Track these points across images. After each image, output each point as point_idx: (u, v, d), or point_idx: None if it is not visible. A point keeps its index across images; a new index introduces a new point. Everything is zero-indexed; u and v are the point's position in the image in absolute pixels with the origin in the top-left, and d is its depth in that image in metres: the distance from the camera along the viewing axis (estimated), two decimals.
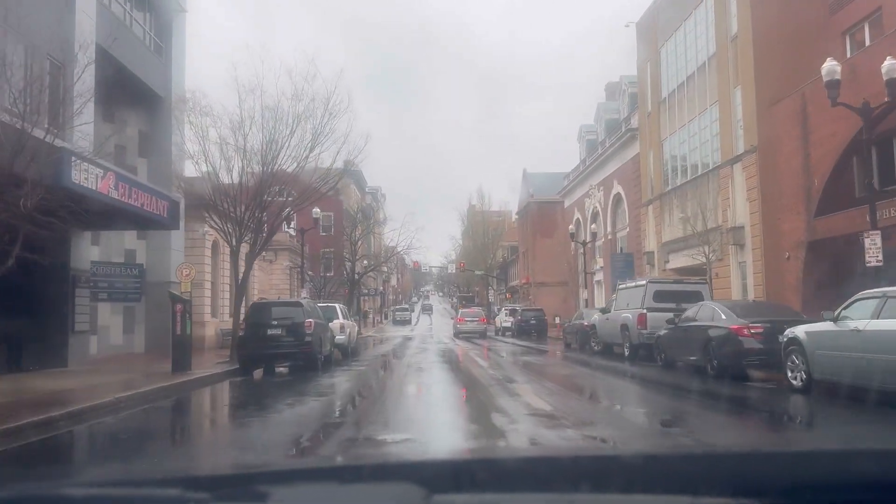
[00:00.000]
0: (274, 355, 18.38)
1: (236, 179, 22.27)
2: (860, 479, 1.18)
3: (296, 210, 24.59)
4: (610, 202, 44.70)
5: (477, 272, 77.44)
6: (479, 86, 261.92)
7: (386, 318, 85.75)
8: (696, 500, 1.14)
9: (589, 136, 51.90)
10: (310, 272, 55.41)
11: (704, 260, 27.50)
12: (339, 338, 23.97)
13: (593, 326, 24.99)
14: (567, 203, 56.79)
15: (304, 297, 21.93)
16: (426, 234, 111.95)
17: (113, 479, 1.41)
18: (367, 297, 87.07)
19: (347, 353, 24.99)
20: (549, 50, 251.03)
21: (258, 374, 19.27)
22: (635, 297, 21.34)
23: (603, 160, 45.55)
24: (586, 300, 42.14)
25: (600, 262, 47.42)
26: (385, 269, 57.62)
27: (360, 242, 51.07)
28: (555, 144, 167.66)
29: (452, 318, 65.99)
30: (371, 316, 78.57)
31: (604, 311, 24.39)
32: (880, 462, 1.26)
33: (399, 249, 52.76)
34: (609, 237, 44.90)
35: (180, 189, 23.74)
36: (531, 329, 43.41)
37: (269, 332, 18.26)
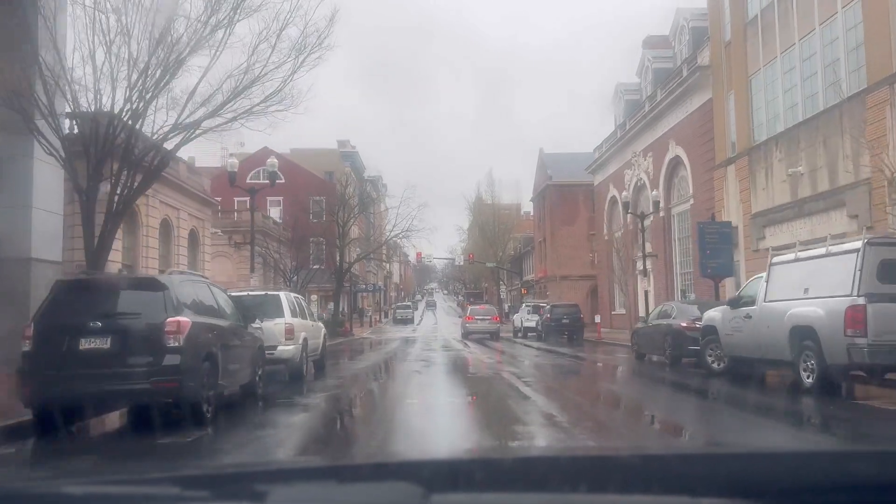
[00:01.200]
0: (89, 396, 8.06)
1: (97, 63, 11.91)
2: (859, 481, 1.15)
3: (206, 129, 14.02)
4: (663, 170, 34.33)
5: (488, 265, 67.02)
6: (483, 78, 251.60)
7: (386, 316, 75.43)
8: (694, 500, 1.11)
9: (629, 96, 41.52)
10: (292, 261, 45.36)
11: (851, 228, 17.15)
12: (283, 349, 13.70)
13: (712, 330, 14.57)
14: (598, 180, 46.37)
15: (178, 273, 11.25)
16: (430, 213, 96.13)
17: (112, 477, 1.30)
18: (365, 294, 76.81)
19: (301, 375, 14.59)
20: (558, 39, 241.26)
21: (80, 427, 9.04)
22: (830, 274, 10.90)
23: (652, 119, 35.19)
24: (647, 292, 31.61)
25: (647, 246, 37.03)
26: (384, 256, 46.67)
27: (350, 224, 40.73)
28: (570, 128, 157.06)
29: (459, 317, 55.38)
30: (370, 314, 68.27)
31: (735, 303, 13.92)
32: (878, 463, 1.23)
33: (399, 233, 42.17)
34: (661, 214, 34.48)
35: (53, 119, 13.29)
36: (563, 330, 33.15)
37: (83, 344, 7.96)
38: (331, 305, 61.33)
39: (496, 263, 66.88)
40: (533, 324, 38.36)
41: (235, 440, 8.37)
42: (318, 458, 5.98)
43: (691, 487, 1.13)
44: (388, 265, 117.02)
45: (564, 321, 33.00)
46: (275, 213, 55.57)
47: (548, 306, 34.98)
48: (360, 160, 77.68)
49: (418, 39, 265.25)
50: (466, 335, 38.94)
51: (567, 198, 61.21)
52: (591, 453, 1.95)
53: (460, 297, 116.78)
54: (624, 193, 33.11)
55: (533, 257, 70.69)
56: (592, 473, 1.23)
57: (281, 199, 56.37)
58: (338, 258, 39.80)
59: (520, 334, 40.35)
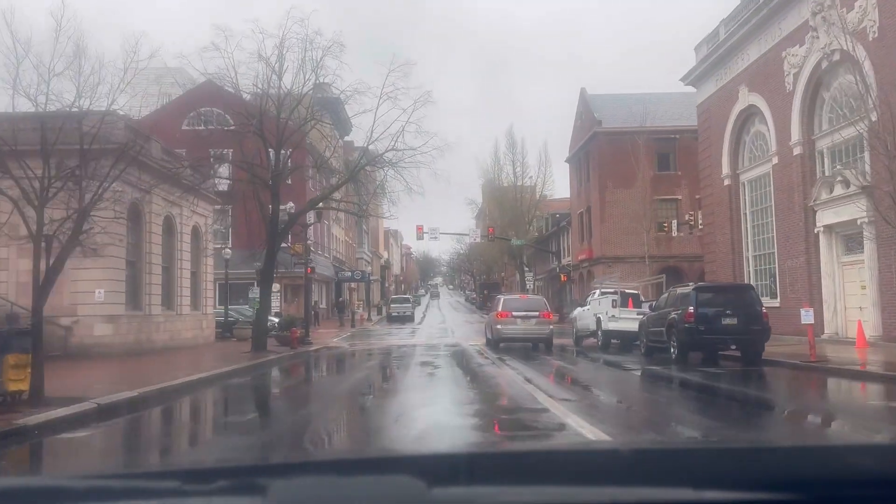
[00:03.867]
0: None
1: None
2: (864, 474, 1.14)
3: None
4: None
5: (514, 242, 48.58)
6: (481, 63, 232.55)
7: (379, 313, 57.03)
8: (698, 493, 1.09)
9: None
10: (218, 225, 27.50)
11: None
12: None
13: None
14: (709, 92, 27.65)
15: None
16: (432, 116, 63.58)
17: (112, 472, 1.30)
18: (353, 285, 58.45)
19: None
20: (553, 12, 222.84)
21: None
22: None
23: None
24: None
25: (836, 186, 18.71)
26: (359, 201, 26.41)
27: (289, 154, 22.07)
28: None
29: (485, 315, 36.82)
30: (356, 310, 49.81)
31: None
32: (884, 456, 1.22)
33: (385, 153, 22.44)
34: None
35: None
36: (725, 340, 14.89)
37: None
38: (286, 296, 42.55)
39: (525, 241, 48.38)
40: (623, 325, 20.16)
41: None
42: (318, 451, 5.78)
43: (693, 481, 1.09)
44: (386, 254, 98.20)
45: (728, 321, 14.60)
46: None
47: (683, 291, 16.27)
48: (345, 114, 59.23)
49: (409, 21, 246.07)
50: (499, 341, 21.15)
51: (623, 151, 42.81)
52: (593, 447, 1.87)
53: (468, 292, 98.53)
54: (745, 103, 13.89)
55: (569, 236, 52.24)
56: (593, 466, 1.19)
57: (230, 151, 37.59)
58: (266, 207, 21.43)
59: (591, 342, 22.32)
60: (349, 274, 52.32)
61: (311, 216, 28.63)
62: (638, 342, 20.09)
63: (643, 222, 34.70)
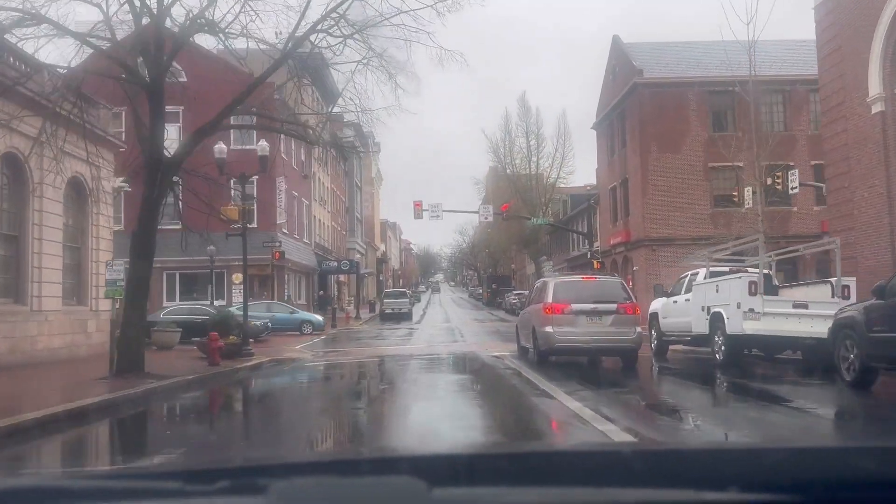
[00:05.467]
0: None
1: None
2: (866, 476, 1.10)
3: None
4: None
5: (534, 221, 39.50)
6: (476, 53, 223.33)
7: (373, 310, 48.08)
8: (698, 494, 1.07)
9: None
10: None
11: None
12: None
13: None
14: None
15: None
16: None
17: (113, 472, 1.29)
18: (343, 277, 49.64)
19: None
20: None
21: None
22: None
23: None
24: None
25: None
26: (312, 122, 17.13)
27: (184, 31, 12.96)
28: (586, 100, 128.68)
29: (520, 311, 27.95)
30: (340, 307, 40.86)
31: None
32: (885, 458, 1.18)
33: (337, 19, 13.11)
34: None
35: None
36: None
37: None
38: (252, 288, 32.47)
39: (546, 220, 39.43)
40: (778, 326, 11.39)
41: None
42: (320, 452, 5.80)
43: (694, 482, 1.08)
44: (383, 247, 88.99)
45: None
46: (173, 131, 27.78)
47: None
48: (331, 77, 50.16)
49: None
50: (546, 355, 12.29)
51: (669, 106, 34.08)
52: (593, 448, 1.81)
53: (472, 287, 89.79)
54: None
55: (596, 217, 43.28)
56: (594, 468, 1.17)
57: (181, 109, 28.44)
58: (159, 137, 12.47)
59: (674, 352, 13.78)
60: (335, 264, 43.41)
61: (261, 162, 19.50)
62: (789, 354, 11.34)
63: (751, 181, 26.12)
